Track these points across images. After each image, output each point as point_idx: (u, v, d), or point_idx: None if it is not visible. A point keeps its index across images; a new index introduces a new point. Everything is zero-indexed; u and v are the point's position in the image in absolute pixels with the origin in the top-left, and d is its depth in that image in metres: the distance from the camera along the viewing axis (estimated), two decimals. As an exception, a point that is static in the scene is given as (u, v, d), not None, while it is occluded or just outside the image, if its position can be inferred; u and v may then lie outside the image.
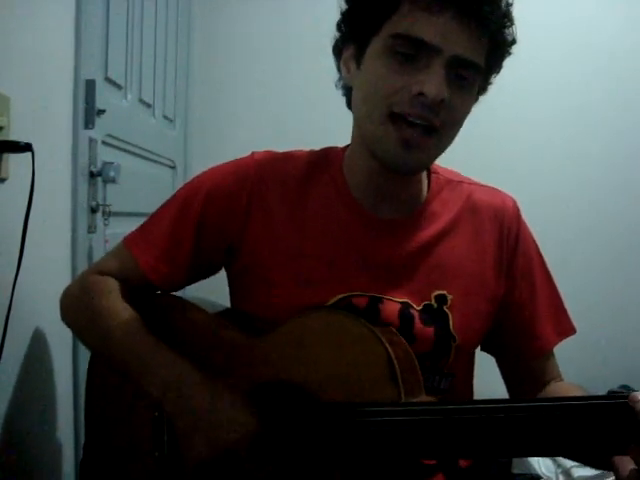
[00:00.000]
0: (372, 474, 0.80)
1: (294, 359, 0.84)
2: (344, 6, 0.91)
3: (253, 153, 0.99)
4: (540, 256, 1.02)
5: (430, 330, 0.90)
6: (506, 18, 0.86)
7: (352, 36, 0.90)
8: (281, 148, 1.02)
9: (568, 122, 2.32)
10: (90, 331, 0.96)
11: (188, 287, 1.03)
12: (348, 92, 0.95)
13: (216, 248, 0.96)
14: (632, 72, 2.28)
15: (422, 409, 0.77)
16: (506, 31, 0.86)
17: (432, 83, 0.80)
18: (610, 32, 2.28)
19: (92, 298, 0.95)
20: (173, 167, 2.21)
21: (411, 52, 0.82)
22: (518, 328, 0.99)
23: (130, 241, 0.99)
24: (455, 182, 1.00)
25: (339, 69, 0.95)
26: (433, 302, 0.92)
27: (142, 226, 1.00)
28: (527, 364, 1.00)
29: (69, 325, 1.01)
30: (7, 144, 0.98)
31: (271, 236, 0.93)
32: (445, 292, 0.93)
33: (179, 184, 2.23)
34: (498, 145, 2.28)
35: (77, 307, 0.99)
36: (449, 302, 0.92)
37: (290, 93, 2.32)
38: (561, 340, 1.00)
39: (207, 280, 1.03)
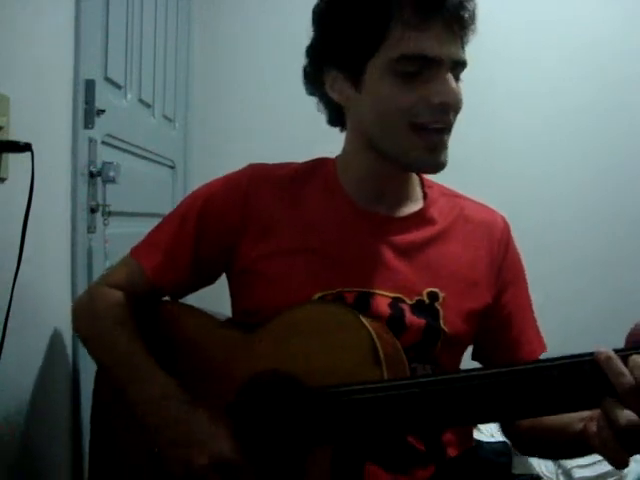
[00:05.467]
0: (362, 455, 0.83)
1: (284, 350, 0.87)
2: (318, 32, 0.95)
3: (250, 164, 1.04)
4: (525, 275, 1.06)
5: (421, 321, 0.93)
6: (474, 16, 0.93)
7: (340, 63, 0.93)
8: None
9: (563, 124, 2.32)
10: (95, 345, 1.01)
11: (190, 299, 1.06)
12: (337, 111, 0.99)
13: (215, 253, 1.01)
14: (631, 72, 2.28)
15: (397, 384, 0.79)
16: (472, 27, 0.94)
17: (450, 91, 0.87)
18: (609, 32, 2.28)
19: (97, 315, 1.00)
20: (173, 167, 2.21)
21: (416, 69, 0.87)
22: (508, 335, 1.02)
23: (136, 250, 1.04)
24: (449, 195, 1.05)
25: (315, 91, 1.00)
26: (425, 298, 0.95)
27: (147, 237, 1.05)
28: None
29: (78, 336, 1.07)
30: (7, 144, 0.98)
31: (267, 237, 0.97)
32: (437, 290, 0.95)
33: (179, 184, 2.24)
34: (494, 145, 2.28)
35: (86, 320, 1.04)
36: (441, 299, 0.95)
37: (290, 93, 2.31)
38: (541, 354, 1.03)
39: (208, 292, 1.07)
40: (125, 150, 1.66)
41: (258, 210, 0.98)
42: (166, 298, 1.05)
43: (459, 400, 0.75)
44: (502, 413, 0.77)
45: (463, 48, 0.91)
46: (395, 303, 0.93)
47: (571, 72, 2.30)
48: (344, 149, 1.03)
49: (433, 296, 0.95)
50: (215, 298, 1.14)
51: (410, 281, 0.95)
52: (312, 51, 0.98)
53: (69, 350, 1.30)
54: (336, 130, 1.04)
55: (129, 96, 1.69)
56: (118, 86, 1.60)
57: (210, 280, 1.06)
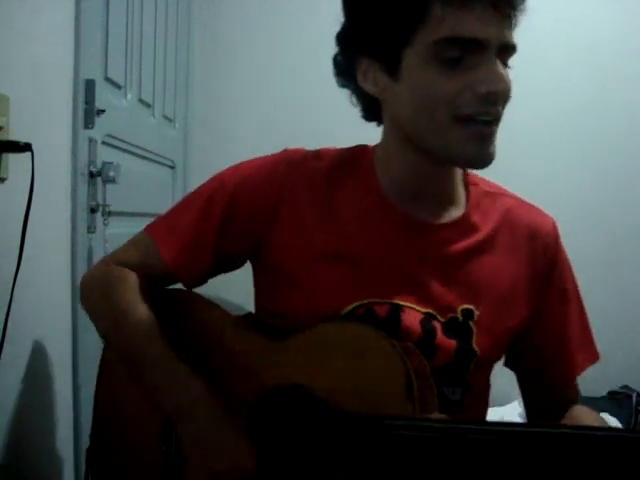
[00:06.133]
0: None
1: (311, 365, 0.83)
2: (349, 17, 0.87)
3: (285, 150, 0.96)
4: (575, 281, 1.00)
5: (452, 343, 0.88)
6: None
7: (374, 51, 0.85)
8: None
9: (563, 124, 2.32)
10: (110, 328, 0.95)
11: (207, 286, 1.01)
12: (372, 104, 0.91)
13: (240, 244, 0.94)
14: (632, 72, 2.28)
15: (430, 426, 0.75)
16: (522, 6, 0.83)
17: (497, 78, 0.79)
18: (610, 31, 2.28)
19: (113, 293, 0.93)
20: (173, 167, 2.21)
21: (459, 54, 0.78)
22: (549, 352, 0.97)
23: (153, 230, 0.97)
24: (494, 194, 0.97)
25: (347, 82, 0.92)
26: (459, 315, 0.89)
27: (166, 216, 0.98)
28: (553, 387, 0.99)
29: (87, 312, 0.99)
30: (7, 144, 0.98)
31: (298, 236, 0.91)
32: (473, 307, 0.89)
33: (179, 184, 2.24)
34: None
35: (97, 298, 0.97)
36: (475, 317, 0.89)
37: (291, 93, 2.32)
38: (589, 366, 0.98)
39: (228, 280, 1.02)
40: (125, 150, 1.66)
41: (293, 203, 0.91)
42: (179, 285, 1.00)
43: (492, 455, 0.71)
44: (538, 476, 0.73)
45: (512, 30, 0.81)
46: (427, 320, 0.88)
47: (572, 72, 2.30)
48: (382, 142, 0.94)
49: (468, 314, 0.89)
50: (220, 286, 1.08)
51: (445, 297, 0.89)
52: (343, 39, 0.89)
53: (69, 350, 1.31)
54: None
55: (129, 96, 1.69)
56: (118, 86, 1.60)
57: (231, 270, 0.99)
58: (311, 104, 2.26)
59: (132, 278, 0.94)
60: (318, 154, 0.96)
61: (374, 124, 0.97)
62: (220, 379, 0.88)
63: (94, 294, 0.98)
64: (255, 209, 0.92)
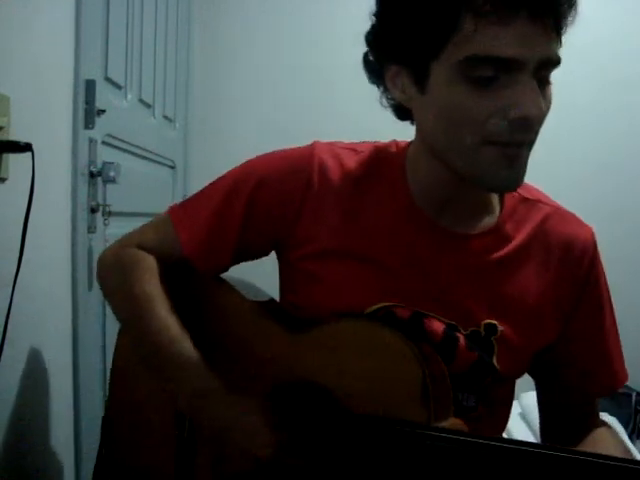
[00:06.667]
0: None
1: (327, 362, 0.83)
2: (378, 20, 0.82)
3: (314, 143, 0.93)
4: (609, 297, 0.96)
5: (473, 355, 0.86)
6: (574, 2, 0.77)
7: (402, 59, 0.79)
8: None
9: (563, 124, 2.32)
10: (124, 312, 0.93)
11: (233, 269, 1.00)
12: (401, 106, 0.86)
13: (263, 238, 0.92)
14: (631, 72, 2.28)
15: (441, 436, 0.72)
16: (572, 15, 0.77)
17: (532, 102, 0.73)
18: (609, 31, 2.28)
19: (131, 278, 0.91)
20: (173, 167, 2.21)
21: (491, 74, 0.72)
22: (572, 366, 0.93)
23: (174, 215, 0.95)
24: (531, 201, 0.93)
25: (376, 83, 0.87)
26: (482, 330, 0.86)
27: (188, 201, 0.97)
28: (578, 397, 0.95)
29: (104, 293, 0.98)
30: (7, 144, 0.98)
31: (321, 234, 0.89)
32: (497, 322, 0.86)
33: (179, 184, 2.24)
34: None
35: (113, 282, 0.96)
36: (499, 333, 0.86)
37: (291, 93, 2.32)
38: (618, 387, 0.95)
39: (255, 264, 1.01)
40: (125, 150, 1.66)
41: (318, 200, 0.89)
42: None
43: (502, 473, 0.68)
44: None
45: (558, 41, 0.75)
46: (449, 329, 0.86)
47: (571, 72, 2.29)
48: (414, 142, 0.90)
49: (491, 329, 0.86)
50: (246, 269, 1.04)
51: (469, 309, 0.86)
52: (372, 40, 0.83)
53: (69, 351, 1.31)
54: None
55: (129, 96, 1.69)
56: (118, 86, 1.60)
57: (253, 259, 0.97)
58: (311, 104, 2.26)
59: (149, 261, 0.93)
60: (348, 152, 0.92)
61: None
62: (235, 365, 0.88)
63: (110, 276, 0.96)
64: (279, 203, 0.90)
